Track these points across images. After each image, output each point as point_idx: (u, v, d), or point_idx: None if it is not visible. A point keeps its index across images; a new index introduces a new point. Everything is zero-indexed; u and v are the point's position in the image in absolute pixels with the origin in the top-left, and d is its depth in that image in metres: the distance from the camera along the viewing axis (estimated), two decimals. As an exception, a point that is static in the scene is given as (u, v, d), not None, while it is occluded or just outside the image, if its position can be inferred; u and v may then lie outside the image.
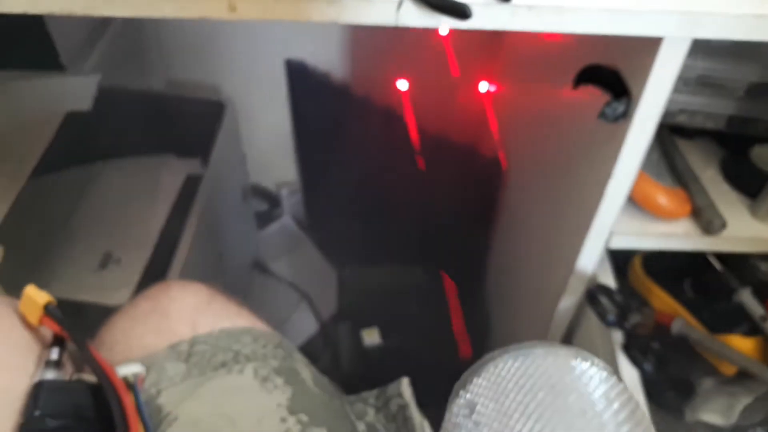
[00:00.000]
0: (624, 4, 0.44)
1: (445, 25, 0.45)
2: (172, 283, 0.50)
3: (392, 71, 1.18)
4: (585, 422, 0.19)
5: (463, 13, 0.43)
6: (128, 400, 0.38)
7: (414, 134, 1.08)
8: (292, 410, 0.41)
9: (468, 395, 0.20)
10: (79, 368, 0.42)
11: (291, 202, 1.43)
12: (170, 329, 0.46)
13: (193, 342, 0.45)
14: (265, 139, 1.32)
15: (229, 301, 0.50)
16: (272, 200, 1.44)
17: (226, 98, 1.19)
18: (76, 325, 0.39)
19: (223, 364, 0.44)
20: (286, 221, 1.42)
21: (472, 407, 0.19)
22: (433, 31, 1.11)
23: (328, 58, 1.19)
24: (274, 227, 1.41)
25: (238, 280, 1.25)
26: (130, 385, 0.40)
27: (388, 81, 1.19)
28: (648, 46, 0.49)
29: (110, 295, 0.85)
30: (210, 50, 1.18)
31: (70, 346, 0.40)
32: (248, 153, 1.30)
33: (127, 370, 0.41)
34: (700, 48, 0.61)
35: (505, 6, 0.44)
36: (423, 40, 1.13)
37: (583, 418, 0.19)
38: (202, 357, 0.44)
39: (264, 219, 1.42)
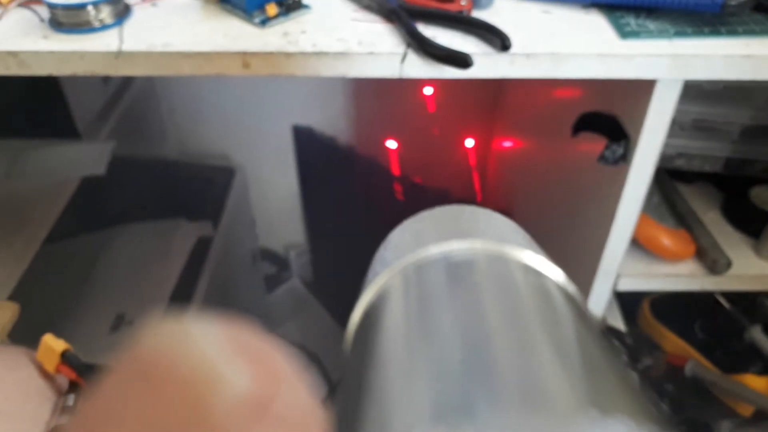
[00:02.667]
0: (617, 50, 0.47)
1: (447, 74, 0.47)
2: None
3: (394, 133, 1.22)
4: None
5: (464, 62, 0.46)
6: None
7: (415, 192, 1.10)
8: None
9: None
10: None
11: (299, 263, 1.44)
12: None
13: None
14: (273, 202, 1.35)
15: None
16: (281, 263, 1.45)
17: (236, 164, 1.23)
18: (93, 371, 0.39)
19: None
20: (294, 283, 1.42)
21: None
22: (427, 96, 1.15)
23: (333, 123, 1.23)
24: (282, 289, 1.42)
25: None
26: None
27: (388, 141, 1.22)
28: (642, 90, 0.51)
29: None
30: (220, 119, 1.23)
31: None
32: (257, 216, 1.33)
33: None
34: (694, 92, 0.63)
35: (504, 55, 0.47)
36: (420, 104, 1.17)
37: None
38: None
39: (273, 282, 1.43)
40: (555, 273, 0.18)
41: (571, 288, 0.18)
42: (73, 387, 0.39)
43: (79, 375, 0.38)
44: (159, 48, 0.45)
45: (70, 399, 0.38)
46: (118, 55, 0.43)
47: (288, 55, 0.46)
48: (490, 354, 0.13)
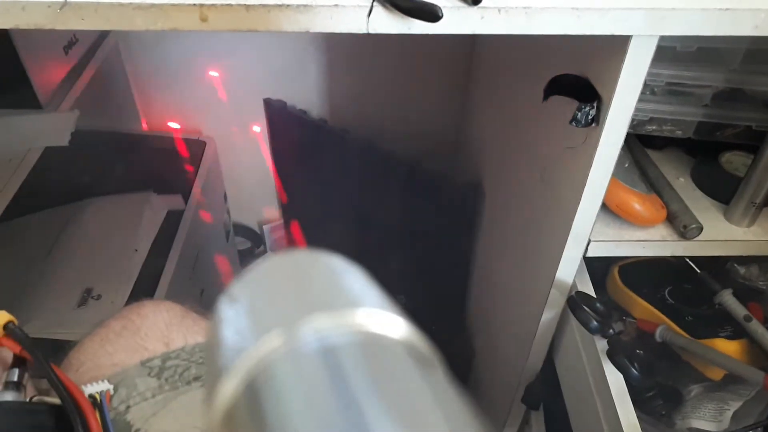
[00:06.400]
0: (591, 3, 0.46)
1: (415, 29, 0.45)
2: (144, 302, 0.49)
3: (365, 104, 1.20)
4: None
5: (433, 15, 0.44)
6: (93, 419, 0.37)
7: (391, 164, 1.09)
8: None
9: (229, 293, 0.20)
10: (46, 393, 0.40)
11: (273, 238, 1.43)
12: (142, 346, 0.44)
13: (166, 357, 0.44)
14: (246, 177, 1.33)
15: (203, 318, 0.49)
16: (255, 238, 1.43)
17: (207, 137, 1.21)
18: (39, 345, 0.38)
19: (197, 378, 0.42)
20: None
21: (231, 296, 0.20)
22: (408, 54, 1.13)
23: (305, 97, 1.21)
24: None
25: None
26: (97, 403, 0.39)
27: (363, 114, 1.21)
28: (616, 49, 0.50)
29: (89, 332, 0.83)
30: (190, 91, 1.20)
31: (34, 368, 0.39)
32: (231, 192, 1.31)
33: (93, 388, 0.39)
34: (667, 55, 0.62)
35: (474, 8, 0.45)
36: (394, 72, 1.15)
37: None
38: (174, 372, 0.43)
39: (247, 256, 1.41)
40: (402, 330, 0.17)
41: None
42: (18, 361, 0.37)
43: (24, 348, 0.37)
44: (109, -1, 0.42)
45: (14, 373, 0.36)
46: (63, 5, 0.41)
47: (248, 7, 0.44)
48: None
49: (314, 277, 0.19)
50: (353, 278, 0.19)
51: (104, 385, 0.40)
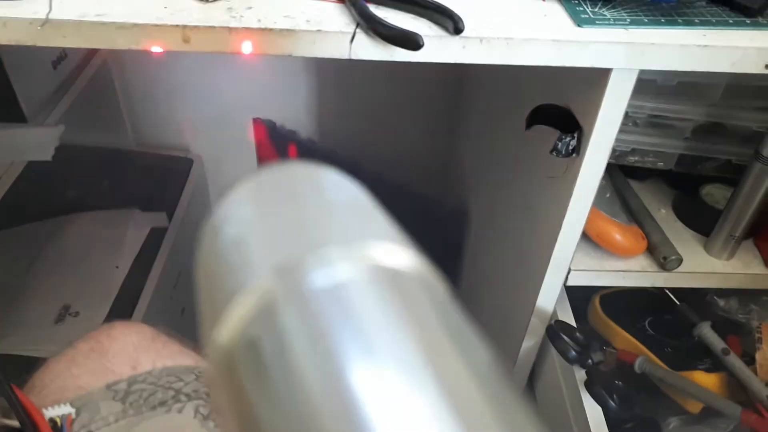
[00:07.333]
0: (572, 37, 0.46)
1: (397, 56, 0.46)
2: (115, 324, 0.48)
3: (354, 126, 1.21)
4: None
5: (415, 43, 0.44)
6: (53, 443, 0.36)
7: (378, 187, 1.09)
8: (233, 449, 0.39)
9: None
10: (6, 415, 0.39)
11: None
12: (108, 368, 0.43)
13: (132, 381, 0.43)
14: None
15: (173, 341, 0.48)
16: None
17: (195, 155, 1.20)
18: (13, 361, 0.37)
19: (162, 403, 0.41)
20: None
21: (222, 219, 0.17)
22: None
23: (294, 117, 1.21)
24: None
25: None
26: (57, 428, 0.38)
27: (352, 136, 1.21)
28: (597, 81, 0.50)
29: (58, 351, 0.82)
30: (179, 109, 1.20)
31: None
32: (217, 209, 1.30)
33: (55, 411, 0.38)
34: (648, 88, 0.63)
35: (456, 38, 0.45)
36: (384, 95, 1.16)
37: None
38: (139, 396, 0.42)
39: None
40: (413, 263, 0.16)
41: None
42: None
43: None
44: (91, 18, 0.42)
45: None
46: (45, 23, 0.41)
47: (231, 30, 0.44)
48: None
49: (312, 199, 0.18)
50: (353, 200, 0.18)
51: (66, 409, 0.39)
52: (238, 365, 0.14)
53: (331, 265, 0.14)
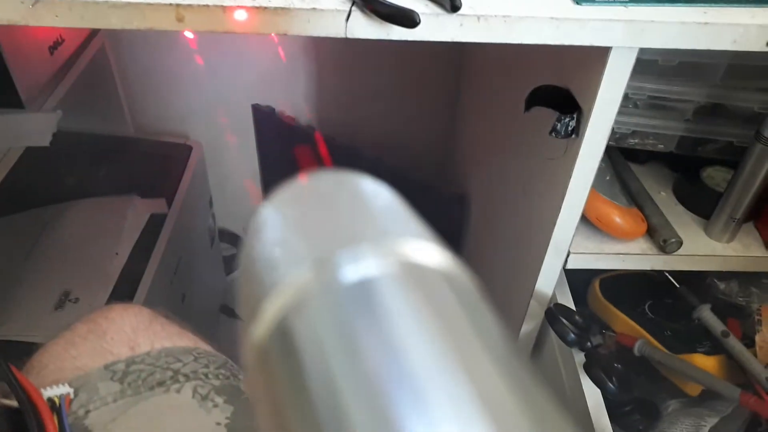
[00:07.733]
0: (571, 14, 0.45)
1: (394, 35, 0.45)
2: (113, 306, 0.48)
3: (354, 112, 1.20)
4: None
5: (411, 20, 0.44)
6: (51, 423, 0.36)
7: (377, 172, 1.09)
8: (232, 429, 0.39)
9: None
10: (5, 396, 0.39)
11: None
12: (106, 350, 0.43)
13: (130, 361, 0.43)
14: (233, 183, 1.32)
15: (171, 323, 0.48)
16: (240, 244, 1.42)
17: (194, 142, 1.20)
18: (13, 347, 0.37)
19: (161, 384, 0.41)
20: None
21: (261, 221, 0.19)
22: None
23: (294, 103, 1.20)
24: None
25: (203, 323, 1.22)
26: (55, 407, 0.38)
27: (351, 122, 1.20)
28: (596, 60, 0.50)
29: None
30: (178, 95, 1.19)
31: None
32: (217, 198, 1.30)
33: (53, 392, 0.38)
34: (649, 69, 0.62)
35: (453, 16, 0.45)
36: (384, 80, 1.15)
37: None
38: (138, 376, 0.42)
39: (232, 263, 1.40)
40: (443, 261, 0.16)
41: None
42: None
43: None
44: (84, -4, 0.42)
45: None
46: (37, 1, 0.40)
47: (225, 8, 0.44)
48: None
49: (347, 203, 0.19)
50: (387, 204, 0.19)
51: (64, 389, 0.39)
52: (273, 355, 0.15)
53: (362, 260, 0.15)
